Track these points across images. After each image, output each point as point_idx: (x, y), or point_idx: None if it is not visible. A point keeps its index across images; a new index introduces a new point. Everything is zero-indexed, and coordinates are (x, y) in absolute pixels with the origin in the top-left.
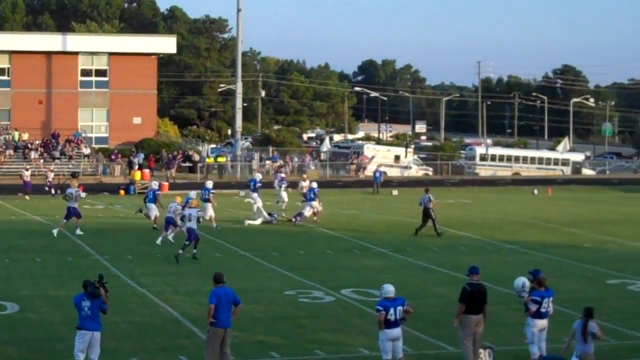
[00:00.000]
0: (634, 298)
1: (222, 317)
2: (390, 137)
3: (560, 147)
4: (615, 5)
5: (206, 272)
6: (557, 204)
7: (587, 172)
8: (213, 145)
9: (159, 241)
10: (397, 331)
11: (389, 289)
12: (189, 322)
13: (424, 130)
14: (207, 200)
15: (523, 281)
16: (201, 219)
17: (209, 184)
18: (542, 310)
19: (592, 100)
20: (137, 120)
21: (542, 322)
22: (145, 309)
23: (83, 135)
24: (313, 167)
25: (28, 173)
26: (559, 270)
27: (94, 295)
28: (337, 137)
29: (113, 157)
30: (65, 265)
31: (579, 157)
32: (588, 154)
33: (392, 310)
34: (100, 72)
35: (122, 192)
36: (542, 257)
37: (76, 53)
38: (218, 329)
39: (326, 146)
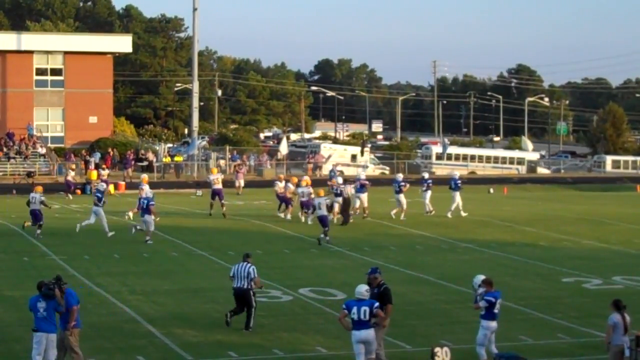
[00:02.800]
0: (588, 296)
1: None
2: (347, 136)
3: (526, 146)
4: (569, 6)
5: (162, 271)
6: (513, 203)
7: (542, 171)
8: (170, 145)
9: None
10: (364, 333)
11: (360, 290)
12: (147, 322)
13: (381, 129)
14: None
15: (481, 278)
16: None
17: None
18: (495, 311)
19: (546, 99)
20: (93, 119)
21: (495, 324)
22: (102, 309)
23: (35, 132)
24: (269, 167)
25: None
26: (514, 269)
27: (48, 297)
28: (294, 136)
29: (67, 156)
30: (21, 266)
31: (534, 156)
32: (543, 153)
33: (354, 310)
34: (55, 71)
35: (78, 191)
36: (498, 255)
37: (31, 52)
38: None
39: (284, 146)
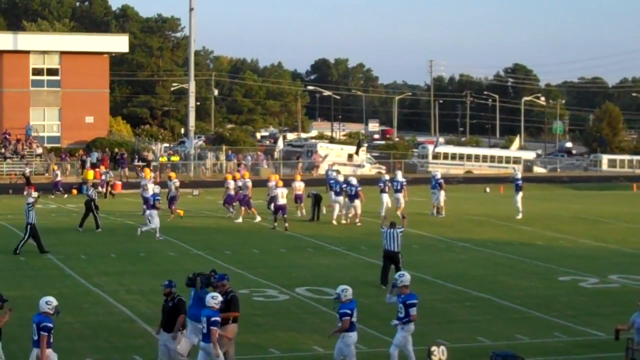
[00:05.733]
0: (585, 295)
1: None
2: (344, 135)
3: (513, 147)
4: (566, 5)
5: (159, 271)
6: (509, 202)
7: (539, 170)
8: (166, 144)
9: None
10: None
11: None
12: (143, 321)
13: (377, 129)
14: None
15: (400, 274)
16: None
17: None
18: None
19: (542, 98)
20: (89, 119)
21: (412, 327)
22: (99, 309)
23: (33, 132)
24: (266, 166)
25: None
26: (510, 268)
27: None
28: (291, 136)
29: (63, 156)
30: (18, 266)
31: (530, 155)
32: (539, 152)
33: (355, 312)
34: (51, 71)
35: (74, 191)
36: (494, 254)
37: (27, 52)
38: None
39: (280, 145)
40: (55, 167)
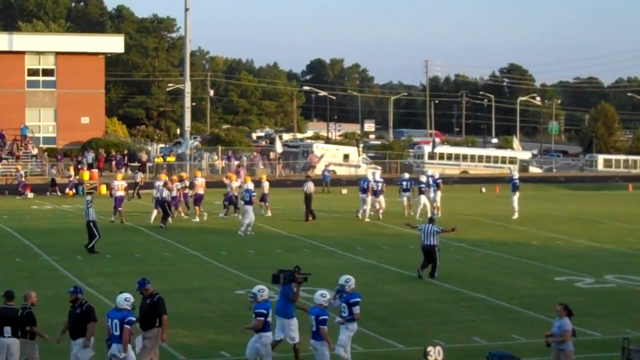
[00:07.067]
0: (580, 295)
1: None
2: (339, 136)
3: (515, 146)
4: (561, 5)
5: (155, 271)
6: (505, 202)
7: (534, 170)
8: (162, 145)
9: None
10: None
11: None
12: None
13: (373, 129)
14: (249, 203)
15: (346, 278)
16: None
17: (250, 185)
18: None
19: (538, 98)
20: (85, 120)
21: (355, 326)
22: (95, 309)
23: (28, 133)
24: (262, 167)
25: None
26: (506, 268)
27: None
28: (286, 137)
29: (59, 157)
30: (13, 267)
31: (526, 155)
32: (535, 152)
33: (270, 312)
34: (47, 72)
35: (70, 192)
36: (490, 254)
37: (23, 52)
38: None
39: (279, 147)
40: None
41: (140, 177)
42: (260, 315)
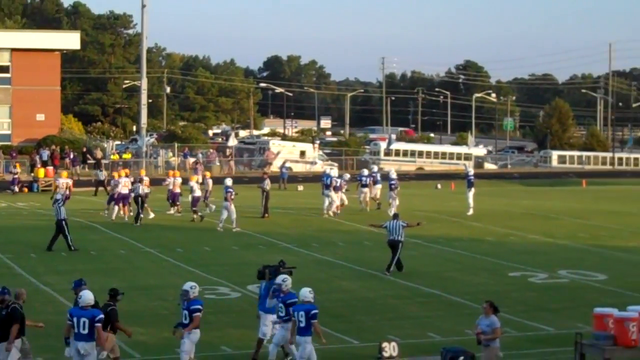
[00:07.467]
0: (534, 290)
1: None
2: (296, 132)
3: (469, 142)
4: (516, 2)
5: (110, 269)
6: (460, 198)
7: (489, 166)
8: (118, 142)
9: None
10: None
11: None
12: None
13: (329, 125)
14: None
15: (283, 278)
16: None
17: (229, 181)
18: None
19: (493, 95)
20: (40, 117)
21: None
22: (50, 308)
23: None
24: (218, 163)
25: None
26: (461, 264)
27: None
28: (243, 133)
29: (14, 154)
30: None
31: (481, 151)
32: (490, 148)
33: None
34: (2, 69)
35: (25, 189)
36: (446, 250)
37: None
38: None
39: (232, 141)
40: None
41: (104, 175)
42: (197, 311)
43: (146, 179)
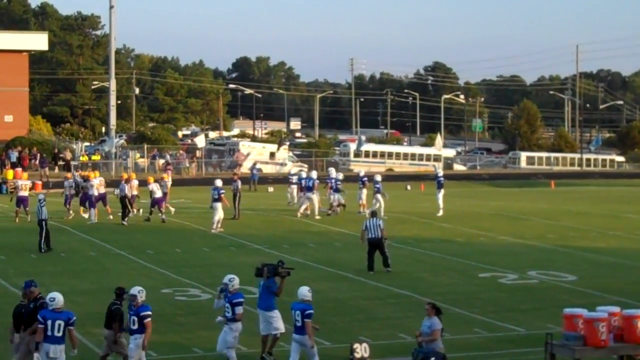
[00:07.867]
0: (504, 291)
1: None
2: (266, 134)
3: (436, 143)
4: (484, 3)
5: (80, 270)
6: (430, 199)
7: (459, 167)
8: (87, 143)
9: None
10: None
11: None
12: None
13: (299, 127)
14: (218, 200)
15: (230, 277)
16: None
17: (219, 182)
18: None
19: (462, 96)
20: (8, 118)
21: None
22: None
23: None
24: (188, 165)
25: None
26: (431, 265)
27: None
28: (212, 135)
29: None
30: None
31: (450, 152)
32: (459, 149)
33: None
34: None
35: None
36: (415, 251)
37: None
38: None
39: (202, 140)
40: None
41: (78, 176)
42: (148, 317)
43: (135, 182)
